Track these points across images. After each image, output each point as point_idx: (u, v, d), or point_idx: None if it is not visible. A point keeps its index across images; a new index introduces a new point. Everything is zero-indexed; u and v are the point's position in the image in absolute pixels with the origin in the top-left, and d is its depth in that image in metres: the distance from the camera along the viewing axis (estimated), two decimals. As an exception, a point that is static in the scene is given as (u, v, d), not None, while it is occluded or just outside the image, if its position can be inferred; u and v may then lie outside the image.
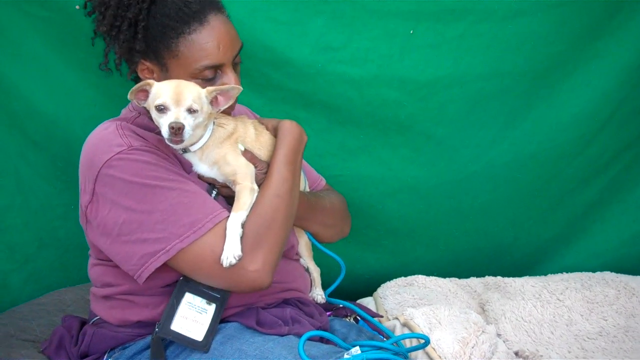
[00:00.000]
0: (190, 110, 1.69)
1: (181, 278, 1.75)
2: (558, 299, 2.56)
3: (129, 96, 1.73)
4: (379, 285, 2.76)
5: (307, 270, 2.12)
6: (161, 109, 1.68)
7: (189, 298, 1.73)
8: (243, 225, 1.71)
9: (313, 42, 2.50)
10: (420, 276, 2.78)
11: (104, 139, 1.77)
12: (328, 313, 2.11)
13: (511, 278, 2.74)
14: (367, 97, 2.60)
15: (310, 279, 2.13)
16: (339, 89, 2.57)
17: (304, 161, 2.02)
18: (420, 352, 2.10)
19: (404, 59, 2.57)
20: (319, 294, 2.11)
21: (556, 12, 2.60)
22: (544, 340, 2.37)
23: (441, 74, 2.62)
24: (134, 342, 1.83)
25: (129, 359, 1.81)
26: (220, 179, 1.82)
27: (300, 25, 2.47)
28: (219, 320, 1.76)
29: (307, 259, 2.11)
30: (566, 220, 2.97)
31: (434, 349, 2.09)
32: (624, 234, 2.98)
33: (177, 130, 1.65)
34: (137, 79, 1.90)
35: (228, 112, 1.92)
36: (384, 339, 2.04)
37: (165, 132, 1.67)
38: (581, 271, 2.86)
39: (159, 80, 1.80)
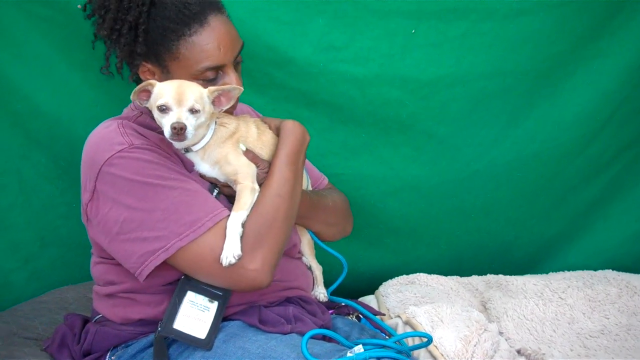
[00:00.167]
0: (192, 111, 1.69)
1: (183, 276, 1.75)
2: (560, 297, 2.56)
3: (131, 97, 1.73)
4: (380, 284, 2.76)
5: (309, 268, 2.12)
6: (163, 109, 1.68)
7: (190, 296, 1.74)
8: (243, 225, 1.71)
9: (315, 42, 2.50)
10: (422, 274, 2.79)
11: (106, 137, 1.77)
12: (330, 311, 2.11)
13: (513, 276, 2.75)
14: (369, 96, 2.60)
15: (313, 277, 2.13)
16: (341, 88, 2.57)
17: (306, 160, 2.02)
18: (423, 351, 2.11)
19: (405, 58, 2.58)
20: (321, 292, 2.11)
21: (558, 12, 2.60)
22: (546, 338, 2.37)
23: (443, 73, 2.62)
24: (136, 340, 1.83)
25: (131, 357, 1.81)
26: (221, 178, 1.82)
27: (302, 24, 2.47)
28: (222, 318, 1.76)
29: (309, 258, 2.12)
30: (568, 218, 2.97)
31: (436, 347, 2.10)
32: (626, 233, 2.98)
33: (179, 130, 1.65)
34: (139, 81, 1.90)
35: (230, 111, 1.92)
36: (387, 337, 2.04)
37: (167, 132, 1.68)
38: (583, 269, 2.87)
39: (160, 82, 1.80)
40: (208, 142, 1.79)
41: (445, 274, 2.82)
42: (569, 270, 2.88)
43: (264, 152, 1.89)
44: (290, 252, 2.00)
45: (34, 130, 2.43)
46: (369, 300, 2.63)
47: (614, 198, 2.96)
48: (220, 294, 1.75)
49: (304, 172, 1.99)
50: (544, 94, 2.75)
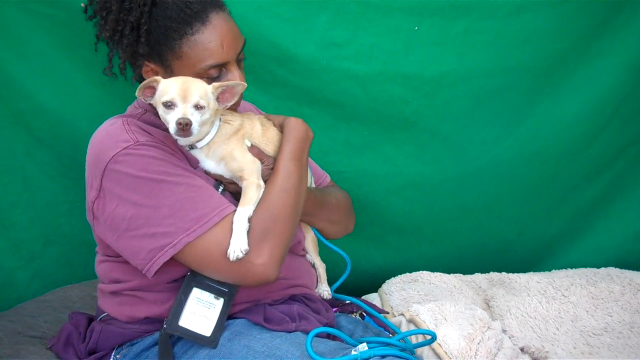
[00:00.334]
0: (197, 107, 1.69)
1: (189, 273, 1.76)
2: (563, 295, 2.57)
3: (136, 93, 1.73)
4: (383, 281, 2.76)
5: (313, 266, 2.12)
6: (168, 105, 1.69)
7: (196, 293, 1.74)
8: (249, 220, 1.72)
9: (317, 39, 2.50)
10: (425, 272, 2.79)
11: (111, 135, 1.77)
12: (334, 309, 2.11)
13: (516, 274, 2.74)
14: (372, 93, 2.60)
15: (316, 275, 2.13)
16: (344, 85, 2.57)
17: (309, 158, 2.02)
18: (426, 349, 2.11)
19: (408, 56, 2.58)
20: (325, 290, 2.11)
21: (560, 10, 2.61)
22: (550, 336, 2.37)
23: (445, 70, 2.63)
24: (141, 338, 1.83)
25: (136, 355, 1.81)
26: (227, 175, 1.83)
27: (305, 22, 2.47)
28: (227, 316, 1.76)
29: (313, 255, 2.12)
30: (570, 216, 2.97)
31: (440, 345, 2.10)
32: (628, 230, 2.99)
33: (184, 126, 1.66)
34: (142, 81, 1.90)
35: (234, 108, 1.92)
36: (390, 335, 2.04)
37: (172, 128, 1.68)
38: (586, 267, 2.87)
39: None
40: (213, 138, 1.80)
41: (448, 272, 2.82)
42: (571, 268, 2.89)
43: (269, 148, 1.89)
44: (295, 249, 2.01)
45: (37, 129, 2.43)
46: (372, 298, 2.64)
47: (616, 196, 2.96)
48: (226, 290, 1.75)
49: (308, 169, 1.99)
50: (546, 92, 2.75)
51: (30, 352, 1.98)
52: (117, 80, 1.99)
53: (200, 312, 1.72)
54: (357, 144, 2.69)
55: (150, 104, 1.78)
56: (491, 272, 2.85)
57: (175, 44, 1.79)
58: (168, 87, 1.70)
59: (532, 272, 2.82)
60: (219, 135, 1.81)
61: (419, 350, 2.11)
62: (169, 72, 1.82)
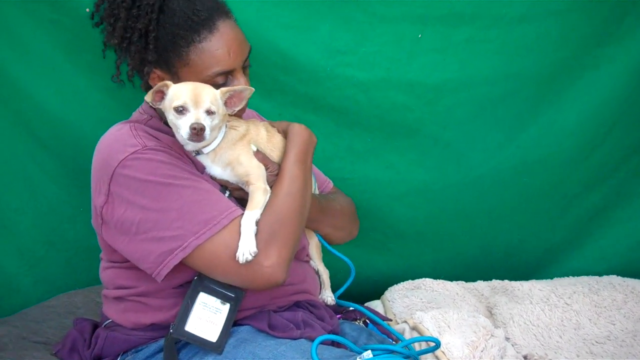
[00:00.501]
0: (209, 112, 1.70)
1: (195, 278, 1.76)
2: (566, 303, 2.57)
3: (146, 97, 1.73)
4: (386, 288, 2.76)
5: (316, 272, 2.12)
6: (180, 110, 1.69)
7: (203, 298, 1.74)
8: (257, 223, 1.72)
9: (322, 47, 2.51)
10: (427, 279, 2.79)
11: (118, 140, 1.78)
12: (338, 316, 2.11)
13: (519, 282, 2.74)
14: (375, 100, 2.61)
15: (320, 281, 2.13)
16: (347, 92, 2.58)
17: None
18: (430, 356, 2.11)
19: (411, 63, 2.59)
20: (329, 296, 2.11)
21: (563, 18, 2.62)
22: (553, 344, 2.37)
23: (448, 77, 2.64)
24: (146, 345, 1.83)
25: (141, 361, 1.81)
26: (233, 180, 1.83)
27: (309, 29, 2.48)
28: (233, 322, 1.76)
29: (317, 261, 2.12)
30: (572, 224, 2.97)
31: (443, 352, 2.10)
32: (631, 238, 2.99)
33: (199, 131, 1.67)
34: (149, 89, 1.91)
35: (240, 114, 1.93)
36: (394, 343, 2.04)
37: (185, 132, 1.68)
38: (588, 275, 2.87)
39: None
40: (219, 144, 1.80)
41: (451, 279, 2.82)
42: (573, 275, 2.89)
43: (274, 154, 1.90)
44: (299, 255, 2.01)
45: (40, 133, 2.43)
46: (375, 305, 2.63)
47: (618, 204, 2.96)
48: (233, 295, 1.75)
49: (312, 175, 1.99)
50: (549, 99, 2.75)
51: (35, 357, 1.98)
52: (121, 85, 1.99)
53: (207, 318, 1.72)
54: (360, 150, 2.70)
55: (155, 110, 1.79)
56: (493, 280, 2.85)
57: (183, 51, 1.79)
58: (179, 92, 1.71)
59: (534, 280, 2.82)
60: (225, 141, 1.81)
61: (423, 358, 2.10)
62: (175, 79, 1.83)
